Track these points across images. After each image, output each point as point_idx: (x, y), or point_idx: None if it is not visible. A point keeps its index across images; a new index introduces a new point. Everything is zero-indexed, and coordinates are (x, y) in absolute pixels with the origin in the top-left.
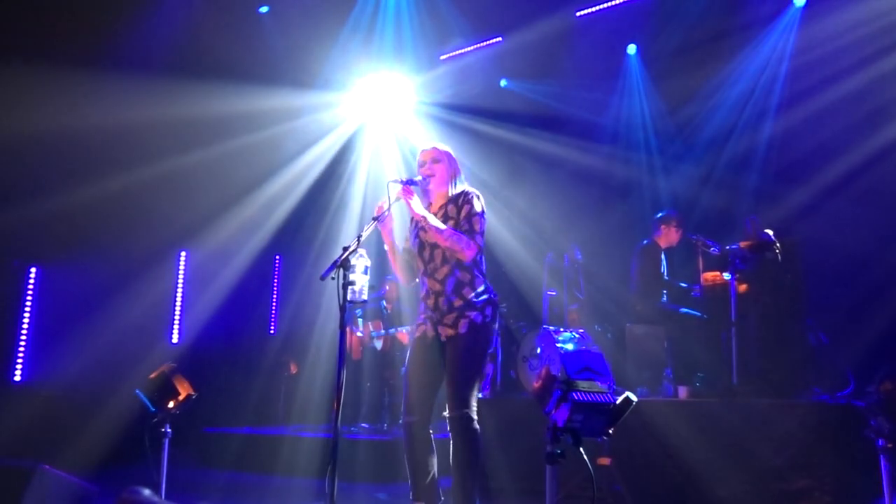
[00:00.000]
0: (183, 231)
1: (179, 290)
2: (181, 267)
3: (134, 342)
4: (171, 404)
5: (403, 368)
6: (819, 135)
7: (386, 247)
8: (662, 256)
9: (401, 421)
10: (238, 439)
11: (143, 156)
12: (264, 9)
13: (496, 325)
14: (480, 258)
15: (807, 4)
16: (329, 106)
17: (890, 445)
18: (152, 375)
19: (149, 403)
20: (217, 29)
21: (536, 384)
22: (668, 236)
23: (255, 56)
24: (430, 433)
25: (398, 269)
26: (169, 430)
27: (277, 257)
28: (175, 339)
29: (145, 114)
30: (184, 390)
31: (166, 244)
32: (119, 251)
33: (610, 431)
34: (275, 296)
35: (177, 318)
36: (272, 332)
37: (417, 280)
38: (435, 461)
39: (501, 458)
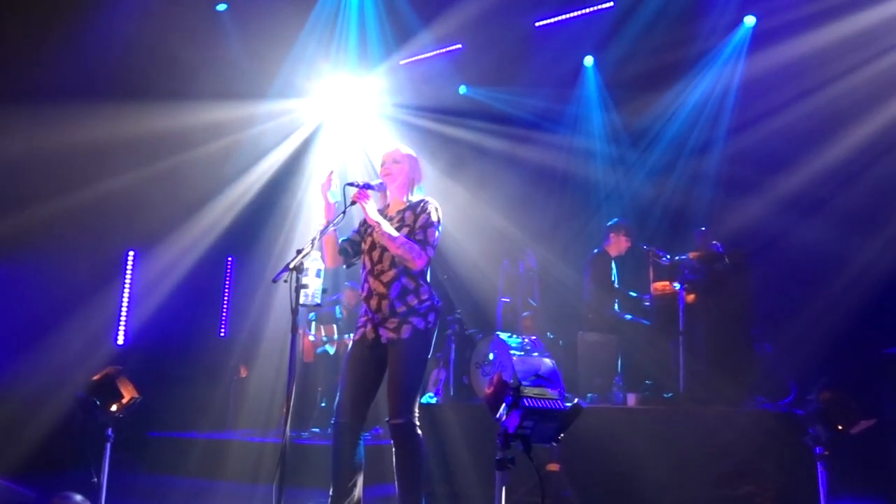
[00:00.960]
0: (132, 231)
1: (126, 290)
2: (129, 267)
3: (77, 343)
4: (114, 407)
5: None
6: (769, 150)
7: (323, 219)
8: (613, 265)
9: (332, 421)
10: (184, 444)
11: (97, 170)
12: (222, 6)
13: (436, 331)
14: (427, 268)
15: (756, 24)
16: (288, 110)
17: (827, 453)
18: (96, 377)
19: (91, 406)
20: (174, 29)
21: (488, 390)
22: (618, 244)
23: (213, 56)
24: (360, 437)
25: (327, 248)
26: (111, 433)
27: (230, 259)
28: (121, 341)
29: (101, 133)
30: (128, 393)
31: (114, 244)
32: (64, 250)
33: (560, 438)
34: (226, 298)
35: (123, 319)
36: (223, 334)
37: (343, 264)
38: (362, 469)
39: (467, 462)
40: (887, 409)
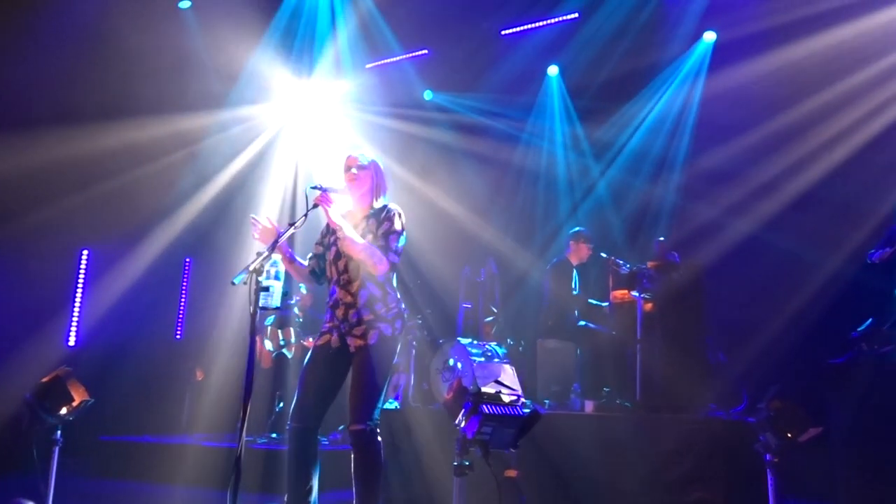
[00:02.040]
0: (86, 229)
1: (79, 290)
2: (82, 266)
3: (26, 344)
4: (64, 410)
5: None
6: (728, 163)
7: (283, 264)
8: (574, 272)
9: (287, 426)
10: (137, 448)
11: (58, 180)
12: (185, 4)
13: (401, 339)
14: (393, 275)
15: (717, 39)
16: (250, 116)
17: (776, 460)
18: (45, 379)
19: (40, 409)
20: (136, 29)
21: (448, 396)
22: (579, 252)
23: (176, 58)
24: (316, 443)
25: (301, 279)
26: (60, 437)
27: (188, 260)
28: (72, 342)
29: (61, 147)
30: (78, 396)
31: (67, 241)
32: (16, 247)
33: (518, 443)
34: (183, 299)
35: (75, 319)
36: (179, 336)
37: (318, 283)
38: (317, 474)
39: (426, 468)
40: (833, 417)
